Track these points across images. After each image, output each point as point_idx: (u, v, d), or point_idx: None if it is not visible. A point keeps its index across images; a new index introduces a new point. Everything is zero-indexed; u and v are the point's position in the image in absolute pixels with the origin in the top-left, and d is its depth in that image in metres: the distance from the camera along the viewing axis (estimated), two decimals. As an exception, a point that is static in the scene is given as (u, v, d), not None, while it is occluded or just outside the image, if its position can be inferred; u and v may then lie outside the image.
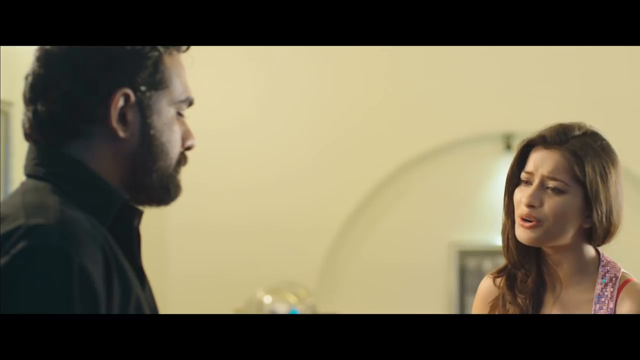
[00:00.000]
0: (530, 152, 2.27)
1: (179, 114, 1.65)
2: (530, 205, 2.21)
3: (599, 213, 2.20)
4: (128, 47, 1.59)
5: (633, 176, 5.86)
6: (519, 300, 2.27)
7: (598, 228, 2.22)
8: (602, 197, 2.20)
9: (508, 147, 6.14)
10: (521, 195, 2.24)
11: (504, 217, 2.30)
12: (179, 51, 1.66)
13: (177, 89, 1.64)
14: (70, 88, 1.57)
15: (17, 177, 4.55)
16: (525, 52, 6.05)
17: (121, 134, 1.59)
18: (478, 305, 2.36)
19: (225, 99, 6.37)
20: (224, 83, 6.35)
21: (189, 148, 1.68)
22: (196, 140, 1.68)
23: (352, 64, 6.28)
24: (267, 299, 5.81)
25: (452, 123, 6.25)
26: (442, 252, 6.35)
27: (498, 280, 2.33)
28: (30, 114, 1.60)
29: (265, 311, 5.79)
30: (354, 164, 6.30)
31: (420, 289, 6.37)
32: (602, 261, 2.27)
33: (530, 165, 2.25)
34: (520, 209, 2.23)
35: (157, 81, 1.61)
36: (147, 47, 1.60)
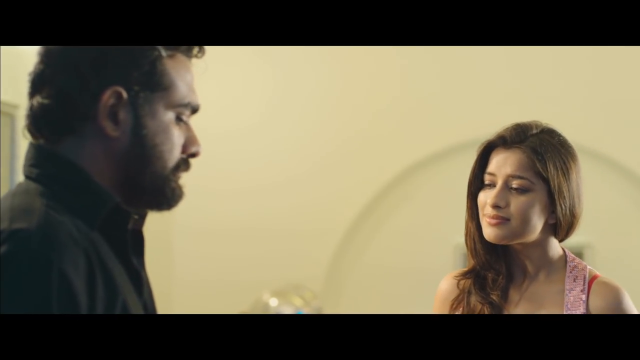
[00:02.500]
0: (490, 153, 2.29)
1: (180, 119, 1.61)
2: (496, 206, 2.23)
3: (563, 208, 2.23)
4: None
5: (635, 177, 5.84)
6: (494, 297, 2.27)
7: (562, 222, 2.25)
8: (565, 192, 2.23)
9: (514, 149, 6.13)
10: (485, 197, 2.26)
11: (467, 221, 2.31)
12: (189, 56, 1.63)
13: (177, 93, 1.60)
14: (63, 84, 1.56)
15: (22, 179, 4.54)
16: (531, 54, 6.04)
17: (111, 132, 1.57)
18: (438, 306, 2.39)
19: (231, 100, 6.37)
20: (230, 85, 6.35)
21: (193, 155, 1.63)
22: (201, 147, 1.63)
23: (358, 66, 6.27)
24: (273, 302, 5.81)
25: (457, 126, 6.25)
26: (447, 255, 6.33)
27: (463, 282, 2.34)
28: (28, 110, 1.60)
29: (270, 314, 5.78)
30: (360, 166, 6.29)
31: (426, 292, 6.32)
32: (569, 257, 2.31)
33: (492, 167, 2.27)
34: (486, 210, 2.25)
35: (154, 82, 1.58)
36: (145, 47, 1.58)
